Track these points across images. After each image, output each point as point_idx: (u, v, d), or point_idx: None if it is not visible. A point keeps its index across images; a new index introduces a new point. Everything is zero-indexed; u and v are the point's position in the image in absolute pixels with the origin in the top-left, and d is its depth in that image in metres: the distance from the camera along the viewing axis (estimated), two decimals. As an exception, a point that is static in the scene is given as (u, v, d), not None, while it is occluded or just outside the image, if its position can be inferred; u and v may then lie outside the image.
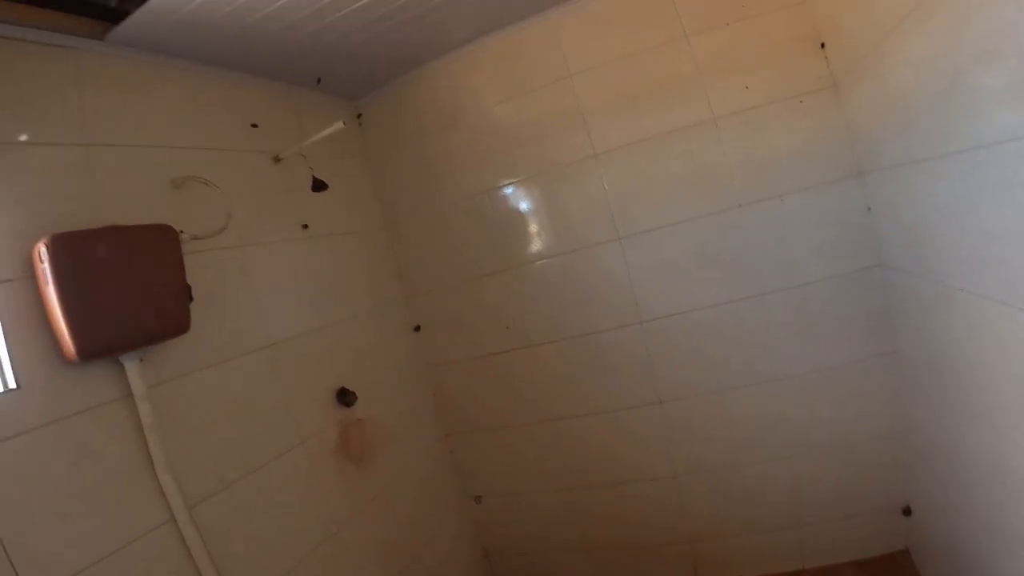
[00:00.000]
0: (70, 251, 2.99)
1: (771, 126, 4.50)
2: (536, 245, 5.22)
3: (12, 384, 2.84)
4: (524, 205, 5.22)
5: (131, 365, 3.24)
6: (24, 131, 3.25)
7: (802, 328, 4.51)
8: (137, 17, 3.64)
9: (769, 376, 4.61)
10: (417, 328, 5.72)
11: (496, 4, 4.59)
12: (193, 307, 3.53)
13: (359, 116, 5.71)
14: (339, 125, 4.20)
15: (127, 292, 3.17)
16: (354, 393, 4.61)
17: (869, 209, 4.31)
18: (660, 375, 4.88)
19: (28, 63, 3.37)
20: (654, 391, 4.91)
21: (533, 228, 5.21)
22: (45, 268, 2.93)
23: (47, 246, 2.93)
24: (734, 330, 4.66)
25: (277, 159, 4.59)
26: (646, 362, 4.98)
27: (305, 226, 4.71)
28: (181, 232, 3.58)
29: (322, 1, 3.96)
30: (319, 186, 4.51)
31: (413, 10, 4.34)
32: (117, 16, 3.74)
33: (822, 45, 4.37)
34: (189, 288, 3.52)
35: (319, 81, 5.01)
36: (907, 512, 4.64)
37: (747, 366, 4.66)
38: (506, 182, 5.24)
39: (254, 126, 4.53)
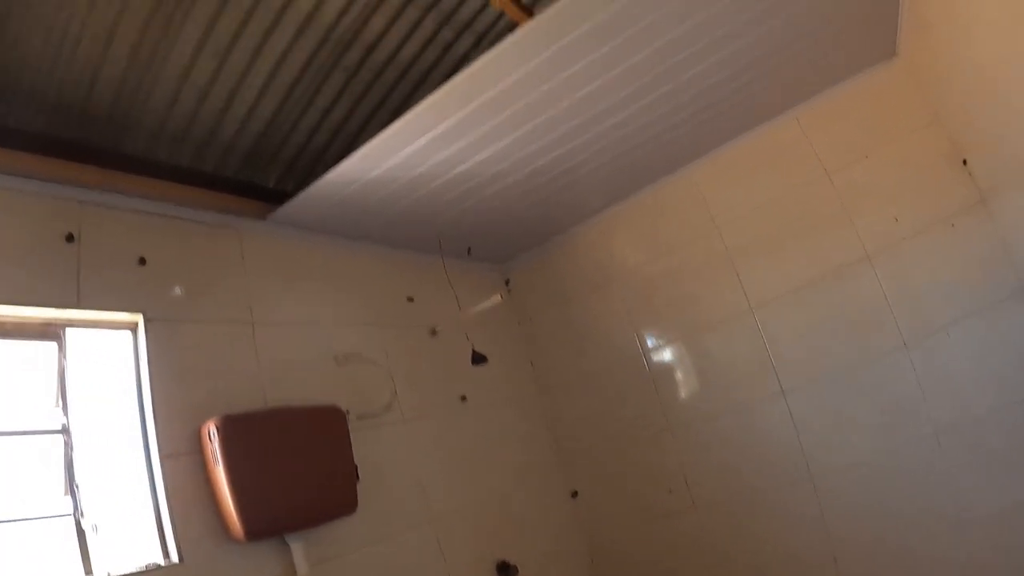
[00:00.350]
0: (240, 433, 2.87)
1: (926, 255, 4.03)
2: (695, 403, 4.78)
3: (175, 558, 2.67)
4: (679, 363, 4.84)
5: (297, 545, 3.00)
6: (195, 308, 3.25)
7: (983, 463, 3.84)
8: (297, 200, 3.67)
9: (953, 520, 3.89)
10: (575, 494, 5.26)
11: (632, 170, 4.48)
12: (359, 485, 3.31)
13: (507, 281, 5.60)
14: (496, 299, 4.12)
15: (296, 474, 3.00)
16: (515, 567, 4.20)
17: (1040, 324, 3.75)
18: (834, 531, 4.22)
19: (197, 242, 3.43)
20: (829, 549, 4.24)
21: (690, 386, 4.80)
22: (215, 448, 2.80)
23: (218, 427, 2.82)
24: (910, 476, 4.00)
25: (434, 332, 4.47)
26: (818, 519, 4.33)
27: (464, 398, 4.50)
28: (347, 412, 3.43)
29: (469, 183, 3.95)
30: (479, 359, 4.27)
31: (555, 184, 4.28)
32: (275, 195, 3.83)
33: (964, 161, 3.95)
34: (356, 468, 3.31)
35: (469, 251, 4.92)
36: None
37: (928, 512, 3.97)
38: (660, 341, 4.90)
39: (410, 299, 4.46)
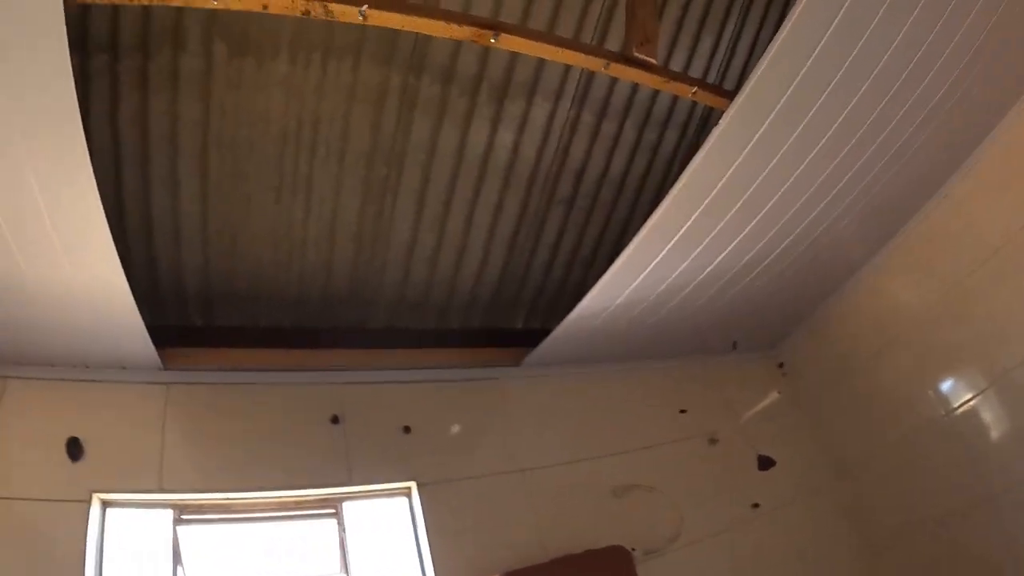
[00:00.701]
0: None
1: None
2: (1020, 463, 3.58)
3: None
4: (990, 415, 3.60)
5: None
6: (465, 465, 3.21)
7: None
8: (547, 343, 3.53)
9: None
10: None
11: (887, 208, 3.64)
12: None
13: (781, 365, 4.73)
14: (774, 396, 3.76)
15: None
16: None
17: None
18: None
19: (457, 399, 3.42)
20: None
21: (1011, 442, 3.59)
22: (497, 605, 2.66)
23: None
24: None
25: (713, 440, 3.92)
26: None
27: (756, 505, 3.81)
28: (633, 550, 3.09)
29: (719, 282, 3.55)
30: (766, 464, 3.69)
31: (810, 252, 3.66)
32: (525, 336, 3.73)
33: None
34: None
35: (735, 345, 4.38)
36: None
37: None
38: (962, 393, 3.70)
39: (683, 412, 3.97)
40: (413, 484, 3.08)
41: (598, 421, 3.66)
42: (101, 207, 2.18)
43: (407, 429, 3.22)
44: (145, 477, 2.77)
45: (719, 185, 2.79)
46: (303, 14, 2.18)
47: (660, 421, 3.86)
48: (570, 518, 3.17)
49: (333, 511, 3.02)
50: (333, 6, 2.19)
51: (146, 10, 2.59)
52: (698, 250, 3.17)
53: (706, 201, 2.85)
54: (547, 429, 3.49)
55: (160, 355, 2.99)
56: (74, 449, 2.73)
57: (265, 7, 2.16)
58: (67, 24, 1.79)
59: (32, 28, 1.68)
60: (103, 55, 2.63)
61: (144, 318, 2.78)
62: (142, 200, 2.97)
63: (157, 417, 2.93)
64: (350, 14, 2.23)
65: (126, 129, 2.78)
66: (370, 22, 2.26)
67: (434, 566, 2.85)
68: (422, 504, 3.02)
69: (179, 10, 2.60)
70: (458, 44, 3.03)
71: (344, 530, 2.97)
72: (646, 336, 3.82)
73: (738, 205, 2.97)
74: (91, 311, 2.69)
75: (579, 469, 3.39)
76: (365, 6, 2.20)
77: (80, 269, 2.48)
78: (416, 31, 2.44)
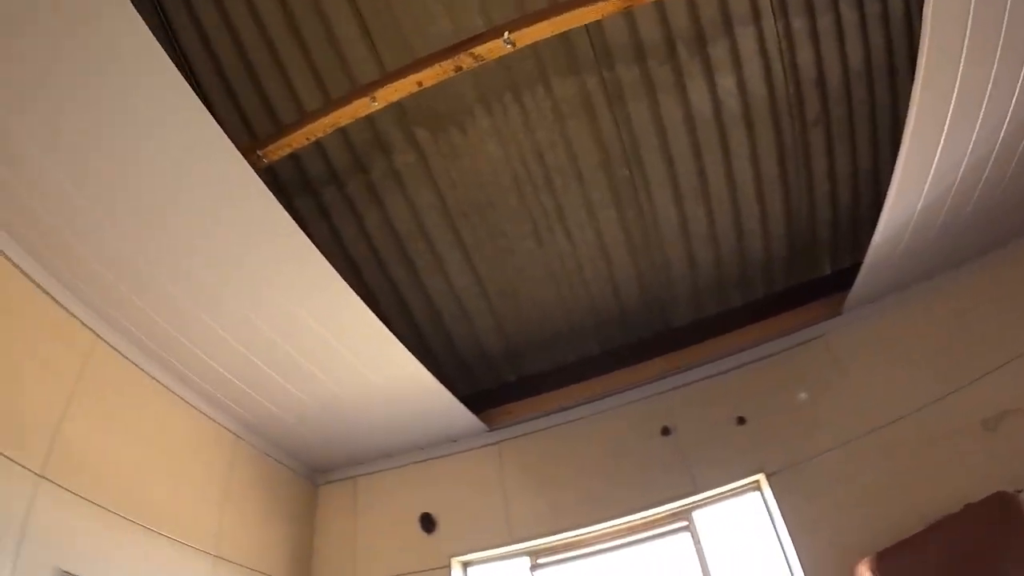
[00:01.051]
0: (897, 566, 2.47)
1: None
2: None
3: None
4: None
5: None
6: (812, 441, 2.97)
7: None
8: (862, 279, 3.07)
9: None
10: None
11: None
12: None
13: None
14: None
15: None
16: None
17: None
18: None
19: (784, 372, 3.19)
20: None
21: None
22: (873, 589, 2.42)
23: (872, 570, 2.47)
24: None
25: None
26: None
27: None
28: (1019, 492, 2.54)
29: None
30: None
31: None
32: (838, 279, 3.35)
33: None
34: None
35: None
36: None
37: None
38: None
39: None
40: (761, 476, 2.95)
41: (947, 344, 3.03)
42: (372, 314, 2.51)
43: (741, 420, 3.09)
44: (496, 533, 3.08)
45: (971, 15, 2.16)
46: (456, 71, 2.23)
47: (1022, 321, 3.05)
48: (939, 470, 2.72)
49: (684, 523, 3.02)
50: (479, 49, 2.21)
51: (344, 135, 2.82)
52: (984, 106, 2.50)
53: (966, 41, 2.23)
54: (891, 373, 3.01)
55: (483, 419, 3.30)
56: (427, 523, 3.14)
57: (419, 84, 2.24)
58: (284, 176, 2.01)
59: (240, 194, 2.01)
60: (330, 187, 2.95)
61: (459, 390, 3.08)
62: (418, 291, 3.28)
63: (495, 475, 3.24)
64: (497, 48, 2.23)
65: (378, 237, 3.09)
66: (520, 44, 2.22)
67: (799, 558, 2.69)
68: (775, 495, 2.88)
69: (369, 121, 2.78)
70: (630, 17, 2.80)
71: (699, 540, 2.95)
72: (967, 229, 3.13)
73: (1003, 29, 2.26)
74: (406, 403, 3.05)
75: (939, 409, 2.87)
76: (507, 33, 2.18)
77: (381, 372, 2.83)
78: (571, 28, 2.34)
